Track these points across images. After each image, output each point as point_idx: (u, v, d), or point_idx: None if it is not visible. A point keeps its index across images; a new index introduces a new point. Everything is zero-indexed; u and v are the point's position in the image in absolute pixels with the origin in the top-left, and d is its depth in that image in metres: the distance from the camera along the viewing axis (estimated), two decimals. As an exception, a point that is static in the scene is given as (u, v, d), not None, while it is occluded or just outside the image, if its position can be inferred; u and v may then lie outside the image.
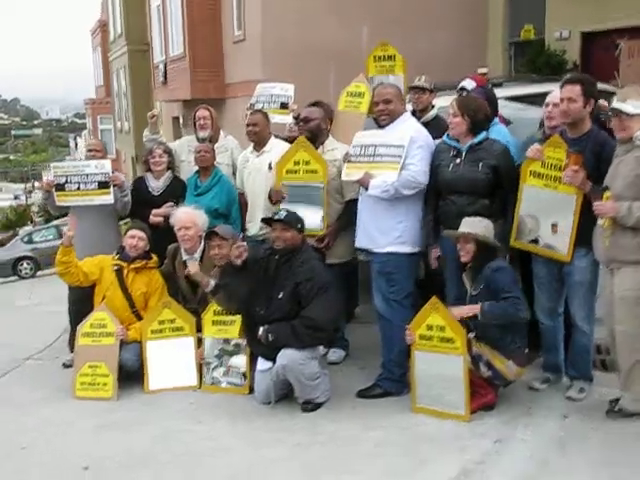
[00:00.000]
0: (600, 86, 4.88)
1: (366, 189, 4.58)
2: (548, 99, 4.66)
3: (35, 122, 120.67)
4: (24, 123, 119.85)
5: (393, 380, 4.70)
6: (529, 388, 4.53)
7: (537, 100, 5.62)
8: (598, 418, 4.10)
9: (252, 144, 5.67)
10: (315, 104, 5.57)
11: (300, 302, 4.45)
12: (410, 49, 9.59)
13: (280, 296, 4.50)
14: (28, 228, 28.23)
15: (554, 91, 4.69)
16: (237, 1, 12.41)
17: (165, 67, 15.46)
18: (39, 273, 19.01)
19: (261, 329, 4.49)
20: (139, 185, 5.94)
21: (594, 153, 4.11)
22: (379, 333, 4.85)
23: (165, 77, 15.51)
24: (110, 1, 24.05)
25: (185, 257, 5.27)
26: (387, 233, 4.60)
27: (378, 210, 4.62)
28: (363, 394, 4.70)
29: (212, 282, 4.96)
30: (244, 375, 4.86)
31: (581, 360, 4.46)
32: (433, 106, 5.52)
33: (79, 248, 5.25)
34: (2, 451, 4.20)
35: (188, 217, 5.23)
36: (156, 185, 5.84)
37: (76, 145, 53.80)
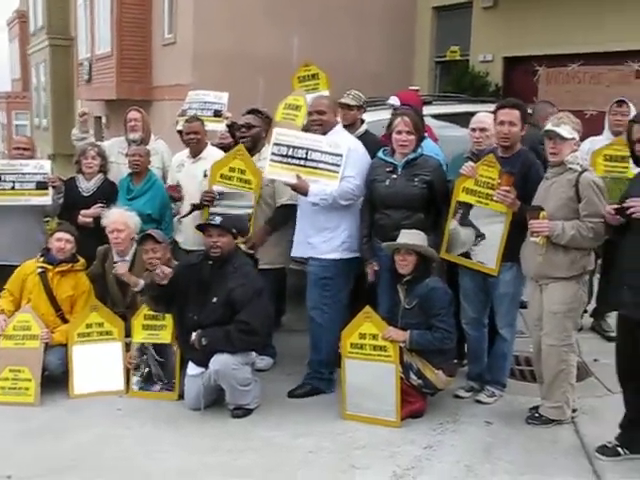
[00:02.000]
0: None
1: (303, 195, 4.64)
2: (474, 124, 4.84)
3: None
4: None
5: (322, 379, 4.84)
6: (455, 396, 4.70)
7: (463, 119, 5.87)
8: (519, 425, 4.32)
9: (188, 149, 5.64)
10: (253, 111, 5.61)
11: (234, 307, 4.45)
12: (340, 63, 9.82)
13: (214, 301, 4.50)
14: None
15: (478, 115, 4.91)
16: (169, 4, 12.29)
17: (90, 65, 15.12)
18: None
19: (194, 334, 4.48)
20: (70, 185, 5.80)
21: (522, 173, 4.32)
22: (307, 339, 4.93)
23: (90, 75, 15.16)
24: (31, -8, 23.32)
25: (116, 259, 5.19)
26: (330, 240, 4.71)
27: (320, 219, 4.71)
28: (293, 393, 4.82)
29: (141, 282, 4.93)
30: (165, 383, 4.83)
31: (497, 366, 4.67)
32: (363, 121, 5.56)
33: (4, 248, 5.09)
34: None
35: (121, 219, 5.16)
36: (86, 186, 5.73)
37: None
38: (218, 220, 4.60)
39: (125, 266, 5.08)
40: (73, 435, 4.26)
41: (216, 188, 5.20)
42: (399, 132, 4.54)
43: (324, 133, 4.75)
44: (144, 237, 4.98)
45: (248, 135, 5.28)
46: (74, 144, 6.29)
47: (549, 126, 4.10)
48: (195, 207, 5.31)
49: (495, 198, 4.31)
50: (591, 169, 4.15)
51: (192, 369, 4.62)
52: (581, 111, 8.67)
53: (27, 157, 5.68)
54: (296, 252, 4.96)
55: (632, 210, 3.43)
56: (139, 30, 13.12)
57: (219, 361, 4.39)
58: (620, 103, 5.71)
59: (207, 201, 5.21)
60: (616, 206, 3.59)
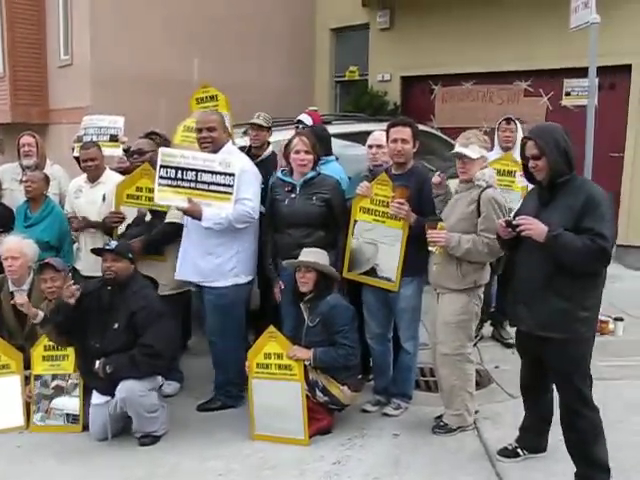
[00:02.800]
0: (421, 127, 5.33)
1: (197, 219, 4.52)
2: (371, 141, 4.99)
3: None
4: None
5: (230, 396, 4.87)
6: (362, 411, 4.76)
7: (362, 138, 6.02)
8: (425, 435, 4.43)
9: (85, 174, 5.52)
10: (151, 134, 5.55)
11: (136, 332, 4.38)
12: (241, 83, 9.86)
13: (115, 327, 4.40)
14: None
15: (374, 133, 5.06)
16: (64, 24, 11.99)
17: (-19, 87, 14.49)
18: None
19: (97, 362, 4.37)
20: None
21: (417, 188, 4.46)
22: (211, 362, 4.93)
23: (-19, 98, 14.52)
24: None
25: (12, 288, 4.99)
26: (221, 267, 4.66)
27: (210, 245, 4.64)
28: (203, 407, 4.86)
29: (41, 313, 4.77)
30: (67, 415, 4.69)
31: (402, 379, 4.78)
32: (269, 143, 5.64)
33: None
34: None
35: (16, 246, 4.98)
36: None
37: None
38: (113, 244, 4.54)
39: (24, 296, 4.90)
40: (-31, 476, 4.07)
41: (124, 209, 5.10)
42: (297, 152, 4.60)
43: (214, 151, 4.61)
44: (43, 266, 4.83)
45: (140, 160, 5.24)
46: None
47: (457, 148, 4.27)
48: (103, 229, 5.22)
49: (390, 211, 4.41)
50: (495, 186, 4.31)
51: (97, 398, 4.50)
52: (477, 127, 9.02)
53: None
54: (180, 274, 4.84)
55: (521, 228, 3.52)
56: (34, 51, 12.67)
57: (125, 388, 4.30)
58: (508, 120, 6.02)
59: (115, 222, 5.10)
60: (507, 219, 3.69)
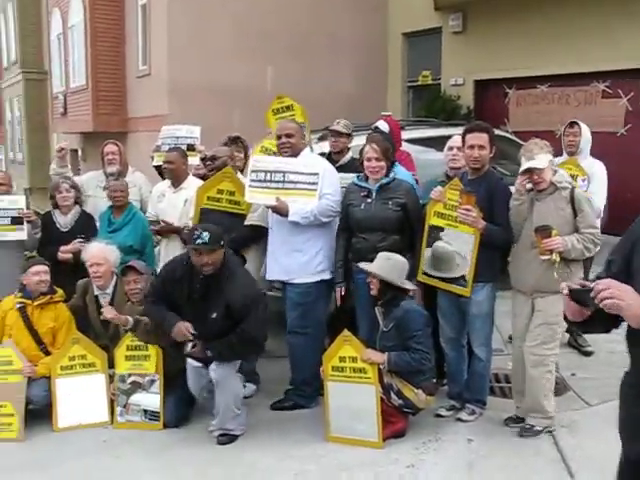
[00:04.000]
0: (496, 131, 5.28)
1: (284, 216, 4.71)
2: (452, 143, 4.99)
3: None
4: None
5: (303, 396, 4.96)
6: (435, 415, 4.75)
7: (436, 143, 6.00)
8: (500, 440, 4.39)
9: (169, 180, 5.73)
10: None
11: (233, 319, 4.35)
12: (314, 90, 9.98)
13: (214, 316, 4.37)
14: None
15: (455, 136, 5.04)
16: (143, 36, 12.42)
17: (65, 98, 15.16)
18: None
19: (190, 344, 4.45)
20: (47, 221, 5.83)
21: (488, 194, 4.44)
22: (289, 361, 5.02)
23: (65, 108, 15.19)
24: (4, 27, 23.33)
25: (97, 292, 5.20)
26: (308, 264, 4.81)
27: (296, 243, 4.81)
28: (277, 406, 4.98)
29: (130, 320, 4.90)
30: (145, 411, 4.85)
31: (476, 385, 4.74)
32: (349, 149, 5.68)
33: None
34: None
35: (100, 253, 5.17)
36: (64, 221, 5.76)
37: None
38: (206, 237, 4.23)
39: (112, 311, 4.97)
40: (63, 467, 4.27)
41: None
42: (369, 159, 4.67)
43: (293, 156, 4.86)
44: (126, 268, 5.01)
45: (214, 167, 5.41)
46: (52, 179, 6.33)
47: (525, 164, 4.23)
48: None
49: (459, 218, 4.41)
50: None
51: (193, 361, 4.59)
52: (552, 131, 8.89)
53: (3, 192, 5.72)
54: (271, 275, 5.03)
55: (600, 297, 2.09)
56: (113, 62, 13.23)
57: (221, 374, 4.44)
58: (572, 124, 5.87)
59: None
60: (574, 286, 2.22)
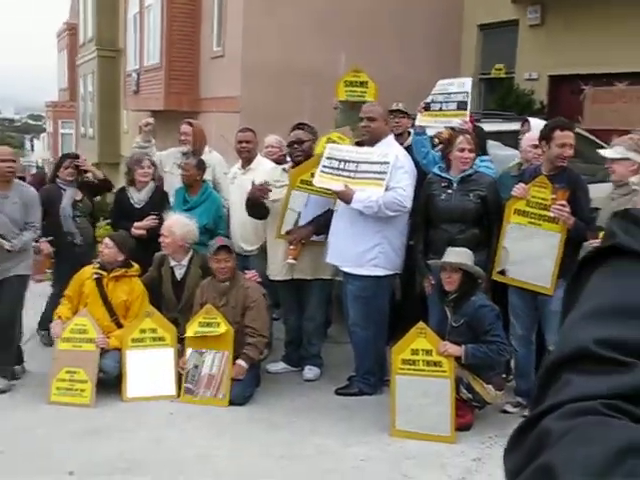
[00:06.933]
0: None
1: (347, 203, 4.68)
2: (535, 141, 4.87)
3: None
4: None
5: (368, 384, 4.96)
6: (502, 411, 4.72)
7: (509, 137, 5.88)
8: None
9: (240, 161, 5.78)
10: (301, 126, 5.73)
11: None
12: (385, 77, 9.90)
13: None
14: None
15: (533, 132, 4.95)
16: (218, 17, 12.54)
17: (138, 76, 15.43)
18: None
19: None
20: (121, 197, 5.98)
21: (570, 189, 4.35)
22: (352, 350, 5.04)
23: (138, 86, 15.47)
24: (82, 5, 23.86)
25: (172, 264, 5.34)
26: (362, 255, 4.76)
27: (355, 233, 4.75)
28: (341, 391, 5.00)
29: None
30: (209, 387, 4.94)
31: None
32: (409, 132, 5.62)
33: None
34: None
35: (167, 225, 5.33)
36: (138, 197, 5.88)
37: (32, 147, 52.68)
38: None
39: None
40: (129, 435, 4.39)
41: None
42: (462, 150, 4.62)
43: (373, 141, 4.81)
44: (219, 248, 5.04)
45: (300, 150, 5.34)
46: (133, 151, 6.45)
47: (601, 151, 4.17)
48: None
49: (552, 213, 4.33)
50: None
51: None
52: (629, 131, 8.61)
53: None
54: (328, 257, 5.01)
55: None
56: (188, 43, 13.37)
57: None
58: None
59: (262, 195, 5.14)
60: None
